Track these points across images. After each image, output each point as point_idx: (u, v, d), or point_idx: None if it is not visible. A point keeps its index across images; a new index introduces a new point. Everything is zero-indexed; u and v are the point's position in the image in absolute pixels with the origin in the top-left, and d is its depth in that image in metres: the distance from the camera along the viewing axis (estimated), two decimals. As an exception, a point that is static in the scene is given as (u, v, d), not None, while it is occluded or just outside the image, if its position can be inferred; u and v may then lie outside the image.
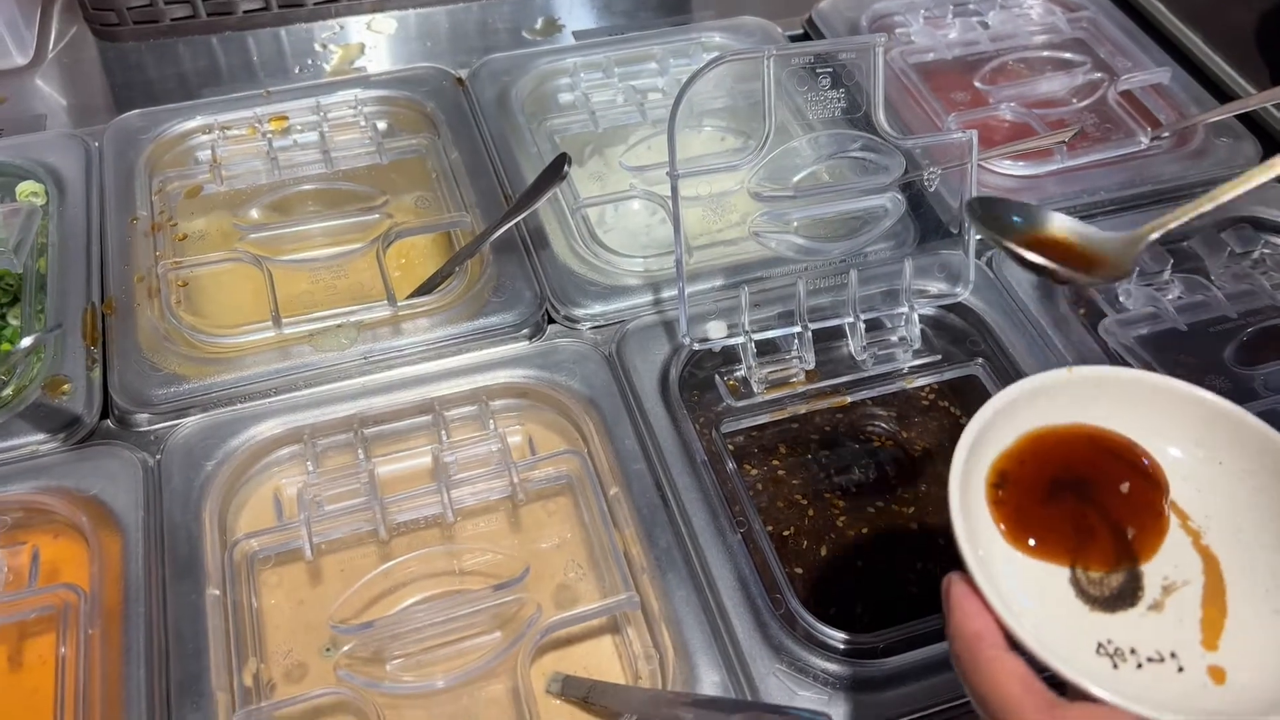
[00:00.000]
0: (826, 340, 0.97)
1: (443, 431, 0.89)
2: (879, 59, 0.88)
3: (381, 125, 1.17)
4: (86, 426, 0.89)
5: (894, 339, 0.97)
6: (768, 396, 0.94)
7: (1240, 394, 0.91)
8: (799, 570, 0.87)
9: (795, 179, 0.93)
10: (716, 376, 0.96)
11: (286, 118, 1.15)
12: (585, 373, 0.94)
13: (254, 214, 1.04)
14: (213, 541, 0.81)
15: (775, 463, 0.93)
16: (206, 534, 0.81)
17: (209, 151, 1.11)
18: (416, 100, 1.18)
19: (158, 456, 0.87)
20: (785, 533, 0.89)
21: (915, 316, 0.97)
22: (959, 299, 0.99)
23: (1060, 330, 0.98)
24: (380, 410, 0.90)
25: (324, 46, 1.31)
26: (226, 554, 0.80)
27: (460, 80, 1.21)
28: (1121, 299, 1.02)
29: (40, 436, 0.87)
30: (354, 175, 1.10)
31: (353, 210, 1.05)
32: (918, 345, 0.97)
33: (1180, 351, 0.95)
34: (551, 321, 1.00)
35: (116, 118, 1.14)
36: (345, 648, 0.76)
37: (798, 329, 0.94)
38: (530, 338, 0.97)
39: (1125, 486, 0.64)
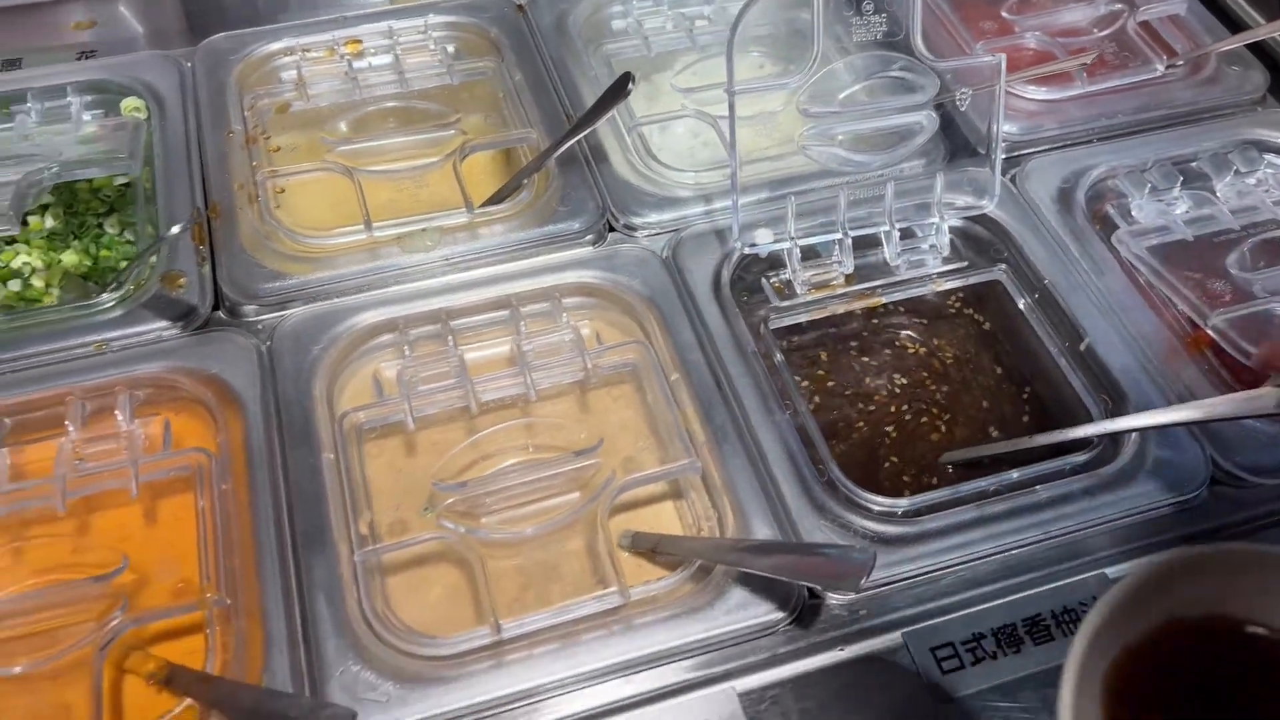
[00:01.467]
0: (863, 247, 1.06)
1: (521, 324, 0.99)
2: (919, -13, 0.97)
3: (450, 49, 1.26)
4: (201, 316, 0.99)
5: (925, 246, 1.06)
6: (810, 297, 1.04)
7: (1240, 296, 1.01)
8: (838, 446, 0.97)
9: (841, 96, 1.02)
10: (763, 279, 1.06)
11: (360, 41, 1.24)
12: (645, 275, 1.04)
13: (342, 127, 1.13)
14: (323, 415, 0.92)
15: (817, 354, 1.04)
16: (318, 408, 0.92)
17: (293, 72, 1.20)
18: (481, 26, 1.27)
19: (268, 343, 0.97)
20: (826, 414, 1.00)
21: (945, 226, 1.06)
22: (984, 210, 1.08)
23: (1078, 240, 1.07)
24: (463, 305, 1.01)
25: (391, -29, 1.39)
26: (336, 425, 0.91)
27: (520, 7, 1.30)
28: (1134, 213, 1.11)
29: (163, 324, 0.98)
30: (427, 95, 1.19)
31: (428, 126, 1.15)
32: (946, 253, 1.06)
33: (1186, 258, 1.05)
34: (611, 230, 1.09)
35: (206, 40, 1.23)
36: (446, 503, 0.87)
37: (838, 236, 1.04)
38: (593, 243, 1.07)
39: None
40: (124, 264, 1.07)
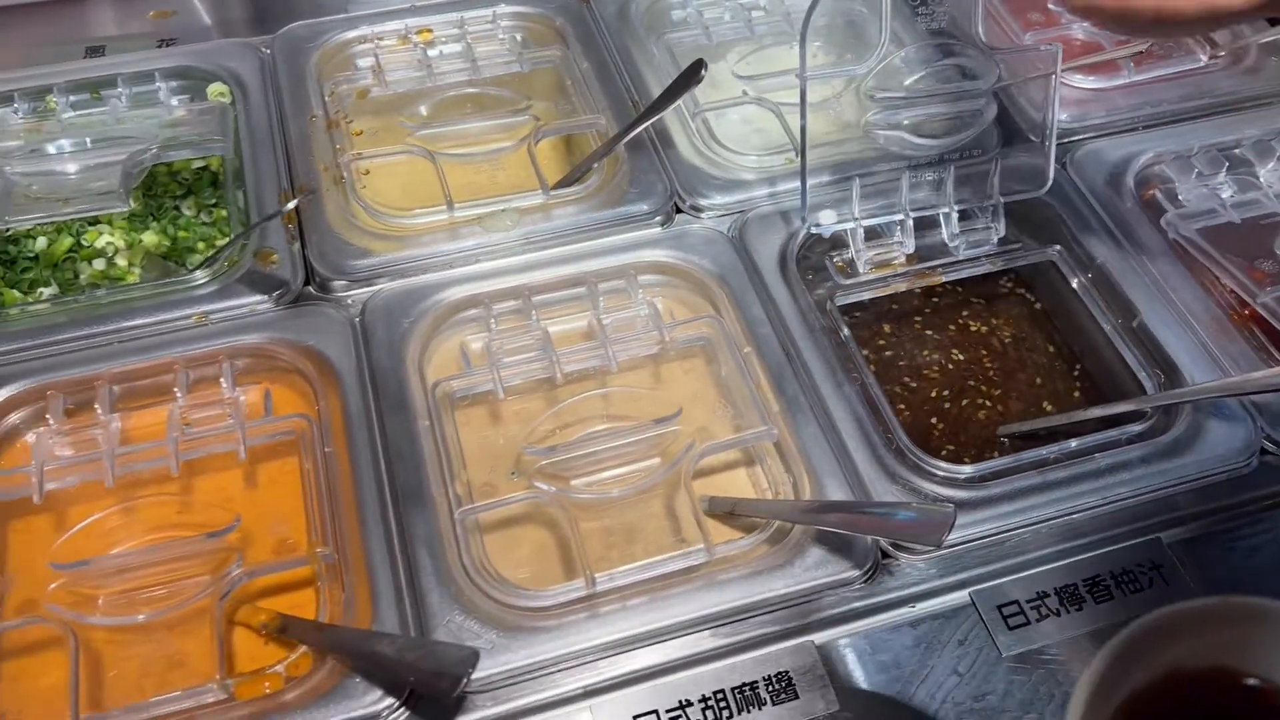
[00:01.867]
0: (922, 228, 1.11)
1: (599, 299, 1.04)
2: (981, -23, 1.01)
3: (518, 38, 1.30)
4: (293, 291, 1.04)
5: (981, 228, 1.10)
6: (872, 276, 1.09)
7: (1285, 276, 1.05)
8: (903, 416, 1.02)
9: (907, 82, 1.07)
10: (826, 260, 1.10)
11: (431, 30, 1.29)
12: (714, 253, 1.08)
13: (422, 112, 1.18)
14: (416, 384, 0.97)
15: (880, 329, 1.09)
16: (410, 377, 0.97)
17: (370, 59, 1.25)
18: (547, 15, 1.32)
19: (359, 316, 1.02)
20: (890, 386, 1.04)
21: (1001, 209, 1.10)
22: (1038, 194, 1.12)
23: (1128, 222, 1.12)
24: (542, 282, 1.05)
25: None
26: (429, 394, 0.96)
27: (585, -3, 1.35)
28: (1181, 197, 1.15)
29: (258, 297, 1.03)
30: (499, 81, 1.24)
31: (502, 112, 1.20)
32: (1002, 234, 1.11)
33: (1234, 240, 1.09)
34: (679, 211, 1.14)
35: (284, 28, 1.28)
36: (534, 467, 0.92)
37: (900, 217, 1.08)
38: (662, 224, 1.12)
39: None
40: (201, 245, 1.12)
